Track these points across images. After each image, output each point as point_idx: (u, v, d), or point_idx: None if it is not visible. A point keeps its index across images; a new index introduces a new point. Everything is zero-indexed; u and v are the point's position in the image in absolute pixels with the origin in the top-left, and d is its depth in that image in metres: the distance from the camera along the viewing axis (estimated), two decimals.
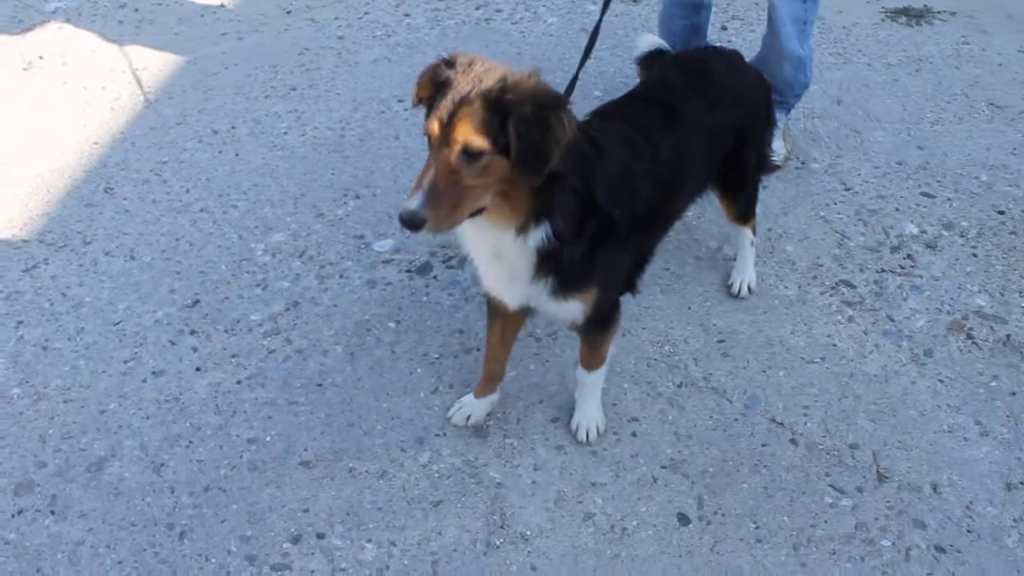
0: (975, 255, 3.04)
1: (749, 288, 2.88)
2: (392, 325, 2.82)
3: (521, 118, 1.71)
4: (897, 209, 3.23)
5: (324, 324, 2.82)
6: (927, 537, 2.25)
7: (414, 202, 1.71)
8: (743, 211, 2.79)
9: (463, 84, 1.76)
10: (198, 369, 2.70)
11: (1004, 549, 2.22)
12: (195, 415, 2.57)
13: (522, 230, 1.88)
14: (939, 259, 3.03)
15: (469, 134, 1.71)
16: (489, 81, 1.75)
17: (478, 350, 2.71)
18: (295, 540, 2.26)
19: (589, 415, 2.48)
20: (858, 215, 3.19)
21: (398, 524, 2.28)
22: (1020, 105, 3.75)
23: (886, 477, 2.38)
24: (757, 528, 2.27)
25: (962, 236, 3.12)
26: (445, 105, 1.75)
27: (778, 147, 3.31)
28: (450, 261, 3.03)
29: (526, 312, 2.25)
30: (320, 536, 2.27)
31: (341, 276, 2.99)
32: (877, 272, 2.98)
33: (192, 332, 2.82)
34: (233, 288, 2.96)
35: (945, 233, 3.13)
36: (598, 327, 2.29)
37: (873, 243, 3.09)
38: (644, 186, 2.19)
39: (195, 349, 2.76)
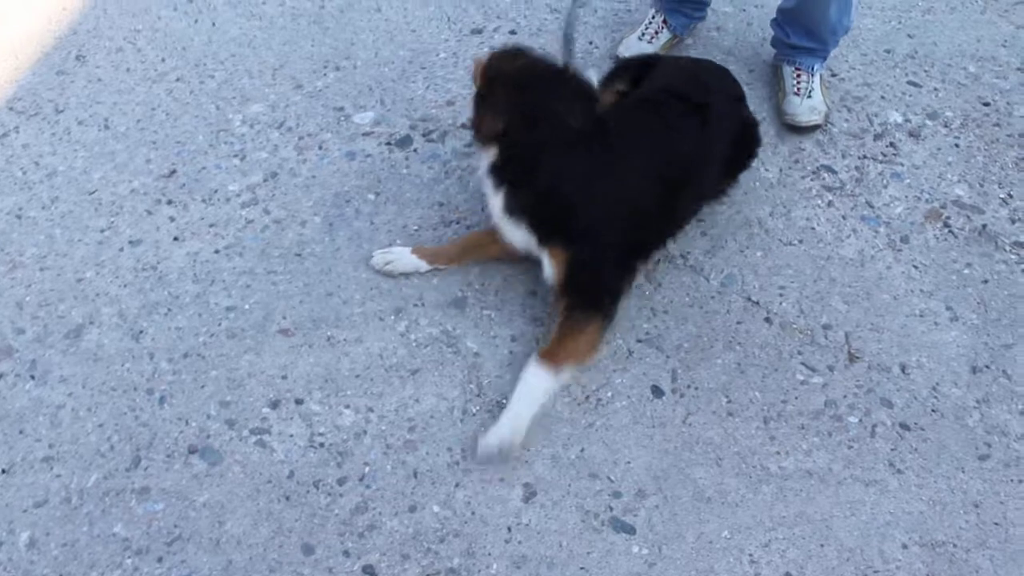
0: (957, 145, 3.03)
1: None
2: (371, 197, 2.79)
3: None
4: (883, 97, 3.20)
5: (303, 195, 2.80)
6: (893, 415, 2.31)
7: None
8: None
9: None
10: (175, 239, 2.68)
11: (965, 428, 2.29)
12: (173, 284, 2.56)
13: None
14: (921, 148, 3.02)
15: None
16: None
17: (457, 223, 2.70)
18: (274, 405, 2.29)
19: (503, 426, 2.15)
20: (843, 101, 3.16)
21: (376, 391, 2.31)
22: None
23: (857, 357, 2.43)
24: (729, 402, 2.32)
25: (946, 126, 3.10)
26: None
27: (818, 103, 3.05)
28: (430, 135, 2.99)
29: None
30: (299, 402, 2.30)
31: (320, 148, 2.95)
32: (859, 159, 2.97)
33: (169, 202, 2.78)
34: (210, 158, 2.91)
35: (929, 123, 3.11)
36: (581, 304, 2.23)
37: (857, 130, 3.07)
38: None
39: (172, 219, 2.73)
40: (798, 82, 3.06)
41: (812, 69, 3.07)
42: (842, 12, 2.94)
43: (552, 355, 2.18)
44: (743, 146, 2.68)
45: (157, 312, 2.49)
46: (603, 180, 2.22)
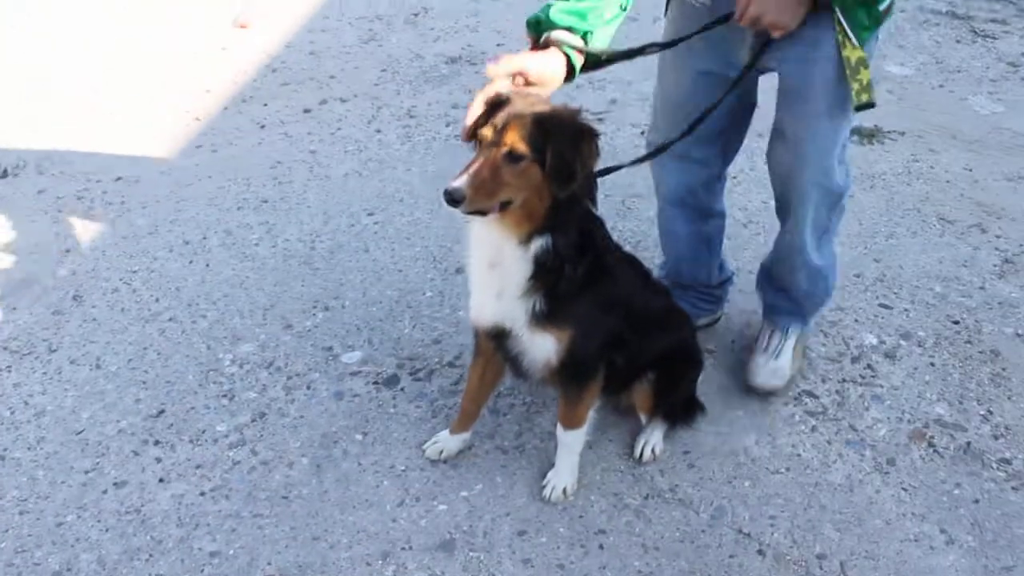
0: (933, 364, 3.11)
1: (653, 451, 2.73)
2: (359, 437, 2.81)
3: (559, 138, 2.05)
4: (856, 320, 3.31)
5: (290, 435, 2.81)
6: None
7: (459, 182, 2.01)
8: (661, 406, 2.73)
9: (518, 104, 2.11)
10: (161, 480, 2.66)
11: None
12: (156, 527, 2.52)
13: (527, 239, 2.16)
14: (898, 369, 3.09)
15: (516, 140, 2.04)
16: (540, 107, 2.11)
17: (444, 463, 2.70)
18: None
19: (560, 474, 2.61)
20: (819, 326, 3.26)
21: None
22: (969, 220, 3.91)
23: None
24: None
25: (920, 346, 3.19)
26: (501, 116, 2.08)
27: (783, 366, 2.94)
28: (417, 374, 3.05)
29: (501, 338, 2.37)
30: None
31: (308, 387, 2.99)
32: (839, 382, 3.03)
33: (156, 442, 2.79)
34: (199, 398, 2.95)
35: (903, 343, 3.21)
36: (574, 380, 2.46)
37: (834, 354, 3.15)
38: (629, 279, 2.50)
39: (159, 460, 2.73)
40: (768, 341, 2.98)
41: (787, 331, 2.99)
42: (813, 281, 2.88)
43: (568, 421, 2.54)
44: None
45: (138, 558, 2.44)
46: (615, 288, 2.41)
